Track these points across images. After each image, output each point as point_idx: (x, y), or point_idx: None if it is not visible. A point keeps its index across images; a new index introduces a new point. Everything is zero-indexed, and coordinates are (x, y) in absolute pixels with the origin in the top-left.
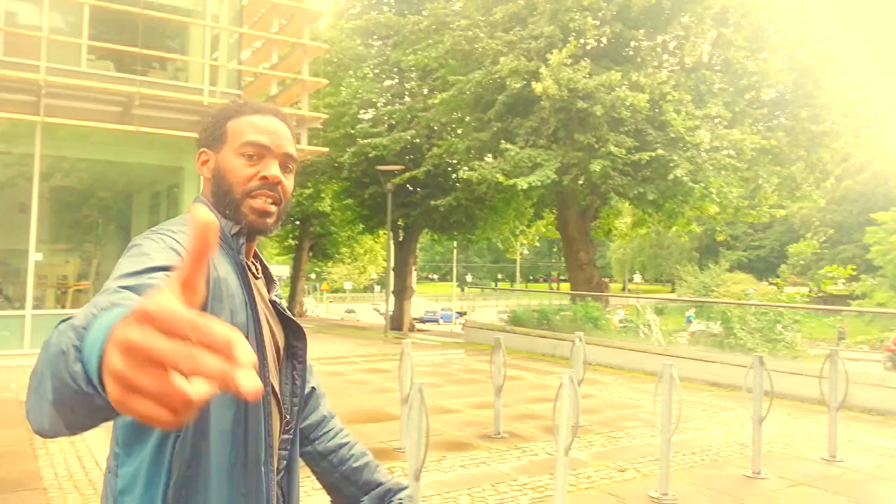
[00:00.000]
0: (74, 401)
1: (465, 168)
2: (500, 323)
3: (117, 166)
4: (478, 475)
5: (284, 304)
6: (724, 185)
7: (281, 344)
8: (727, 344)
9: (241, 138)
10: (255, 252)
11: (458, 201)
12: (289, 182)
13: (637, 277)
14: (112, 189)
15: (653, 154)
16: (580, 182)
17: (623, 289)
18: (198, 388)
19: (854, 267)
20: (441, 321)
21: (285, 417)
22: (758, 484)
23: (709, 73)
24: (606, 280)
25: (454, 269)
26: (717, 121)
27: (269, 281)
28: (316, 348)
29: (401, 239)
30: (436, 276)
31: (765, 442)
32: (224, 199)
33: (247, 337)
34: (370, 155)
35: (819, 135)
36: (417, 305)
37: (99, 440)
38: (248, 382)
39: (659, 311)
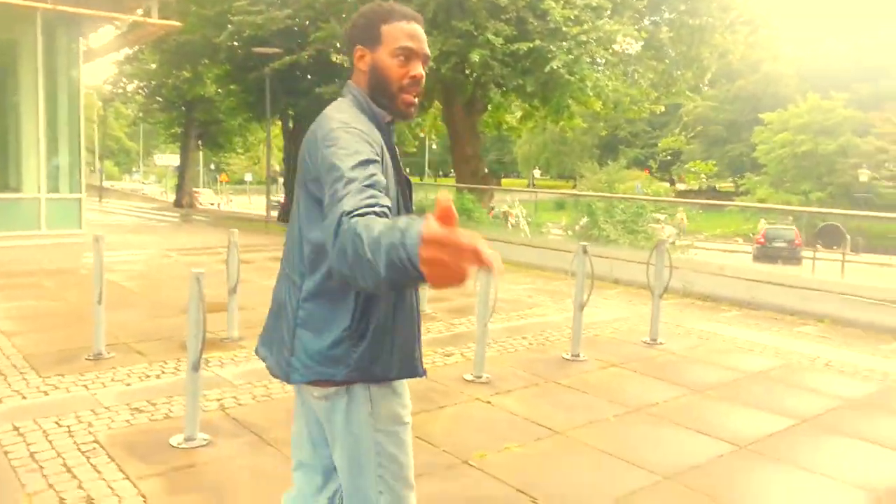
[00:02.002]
0: (399, 275)
1: (344, 53)
2: None
3: None
4: None
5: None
6: (601, 79)
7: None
8: (591, 235)
9: (397, 43)
10: None
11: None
12: (423, 74)
13: (536, 173)
14: None
15: (531, 45)
16: (465, 72)
17: (529, 184)
18: (471, 268)
19: (714, 163)
20: None
21: None
22: (573, 366)
23: None
24: (490, 173)
25: None
26: (598, 12)
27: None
28: (184, 239)
29: (291, 128)
30: None
31: (596, 327)
32: (381, 91)
33: (398, 196)
34: (246, 35)
35: (697, 29)
36: None
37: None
38: (495, 263)
39: (560, 205)
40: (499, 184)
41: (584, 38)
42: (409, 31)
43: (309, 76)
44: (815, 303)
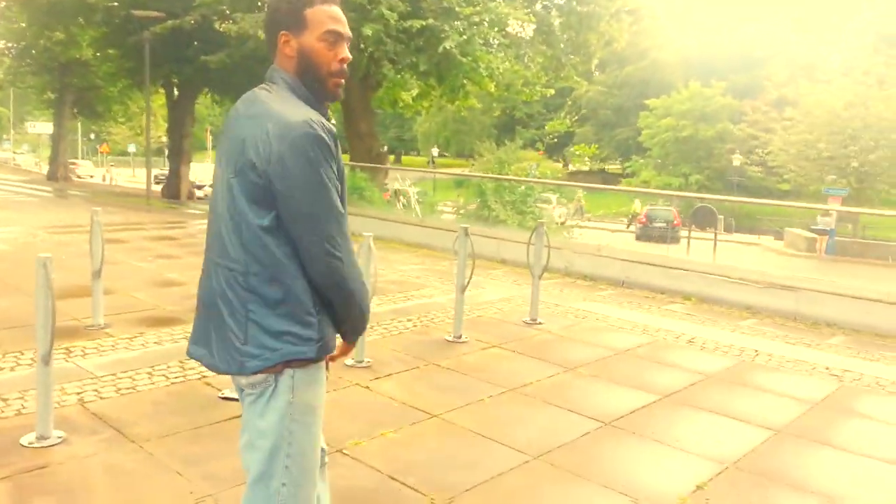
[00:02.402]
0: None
1: (230, 21)
2: None
3: None
4: (171, 351)
5: None
6: (493, 61)
7: None
8: (482, 216)
9: (323, 27)
10: None
11: (231, 58)
12: (347, 54)
13: (434, 151)
14: None
15: (424, 22)
16: (360, 47)
17: (429, 163)
18: None
19: (597, 147)
20: None
21: None
22: (455, 347)
23: None
24: (386, 152)
25: None
26: None
27: None
28: (55, 216)
29: (175, 98)
30: None
31: (481, 307)
32: (312, 76)
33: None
34: None
35: (585, 16)
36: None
37: None
38: None
39: (459, 184)
40: (399, 162)
41: (476, 18)
42: (332, 14)
43: (196, 43)
44: (683, 282)
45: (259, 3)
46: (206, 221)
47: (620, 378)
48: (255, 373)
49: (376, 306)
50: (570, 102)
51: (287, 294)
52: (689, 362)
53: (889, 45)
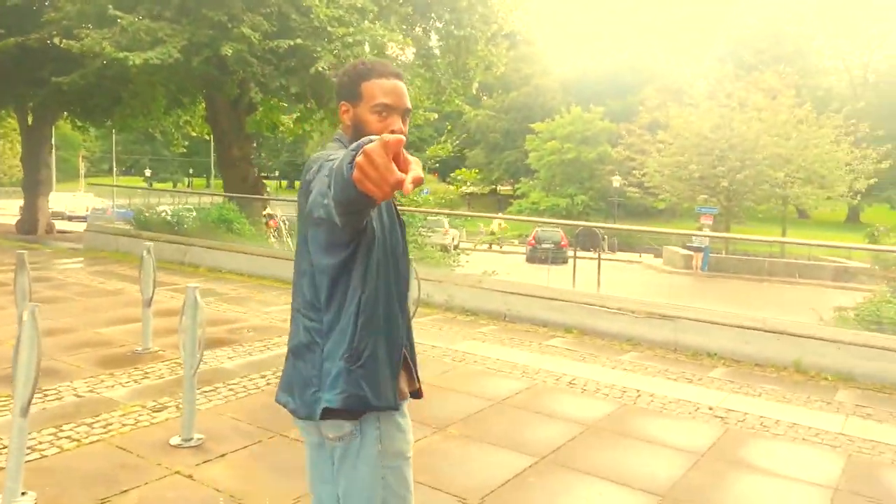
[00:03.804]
0: (343, 187)
1: (76, 41)
2: (126, 227)
3: None
4: None
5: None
6: None
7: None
8: None
9: (375, 100)
10: None
11: (85, 79)
12: (405, 127)
13: None
14: None
15: (292, 42)
16: (229, 69)
17: None
18: (400, 176)
19: (478, 171)
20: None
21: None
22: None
23: None
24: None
25: (113, 162)
26: (363, 13)
27: None
28: None
29: (29, 123)
30: (124, 169)
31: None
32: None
33: (392, 232)
34: None
35: (463, 39)
36: (86, 202)
37: None
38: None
39: None
40: (293, 188)
41: (350, 39)
42: (386, 88)
43: (49, 63)
44: (564, 314)
45: (110, 16)
46: (65, 261)
47: (496, 436)
48: (326, 417)
49: (227, 359)
50: (448, 127)
51: (338, 343)
52: (569, 410)
53: (747, 70)
